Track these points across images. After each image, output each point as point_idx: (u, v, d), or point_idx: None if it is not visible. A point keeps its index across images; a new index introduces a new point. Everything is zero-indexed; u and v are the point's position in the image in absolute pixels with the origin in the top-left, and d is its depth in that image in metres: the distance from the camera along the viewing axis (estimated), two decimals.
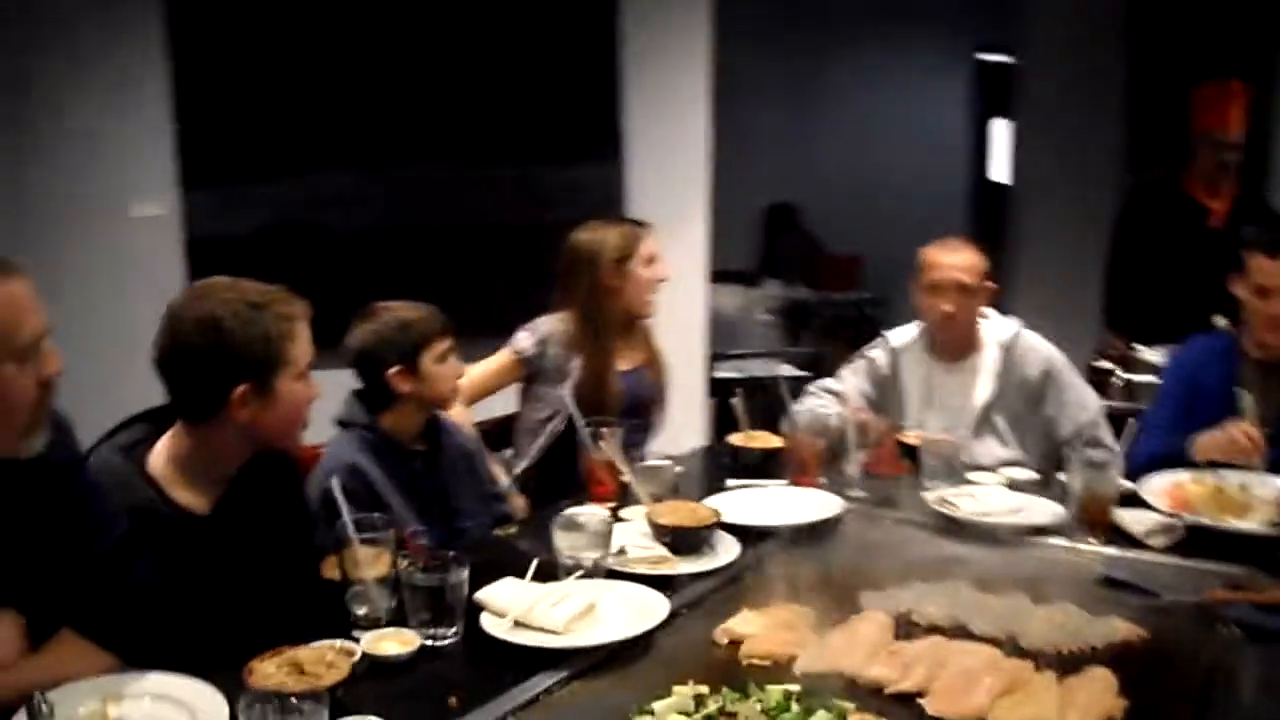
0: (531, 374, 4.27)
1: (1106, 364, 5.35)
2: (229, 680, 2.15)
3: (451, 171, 6.12)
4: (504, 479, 4.01)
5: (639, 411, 4.34)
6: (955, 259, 4.04)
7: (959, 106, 10.64)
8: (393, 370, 3.38)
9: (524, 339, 4.26)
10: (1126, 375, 5.28)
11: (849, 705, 2.13)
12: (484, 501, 3.63)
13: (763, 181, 9.73)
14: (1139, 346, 5.38)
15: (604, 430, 3.52)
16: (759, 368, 6.63)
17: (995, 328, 4.15)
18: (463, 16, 6.05)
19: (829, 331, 4.51)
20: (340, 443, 3.41)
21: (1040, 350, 4.13)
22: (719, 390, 5.93)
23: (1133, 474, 3.50)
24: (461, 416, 4.01)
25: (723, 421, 4.42)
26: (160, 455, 2.71)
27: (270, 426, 2.71)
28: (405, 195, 6.11)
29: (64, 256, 5.83)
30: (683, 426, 4.18)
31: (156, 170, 5.95)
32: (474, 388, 4.21)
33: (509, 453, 4.40)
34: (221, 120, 5.96)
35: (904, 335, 4.26)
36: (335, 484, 2.73)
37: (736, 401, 4.00)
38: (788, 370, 6.38)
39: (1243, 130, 5.68)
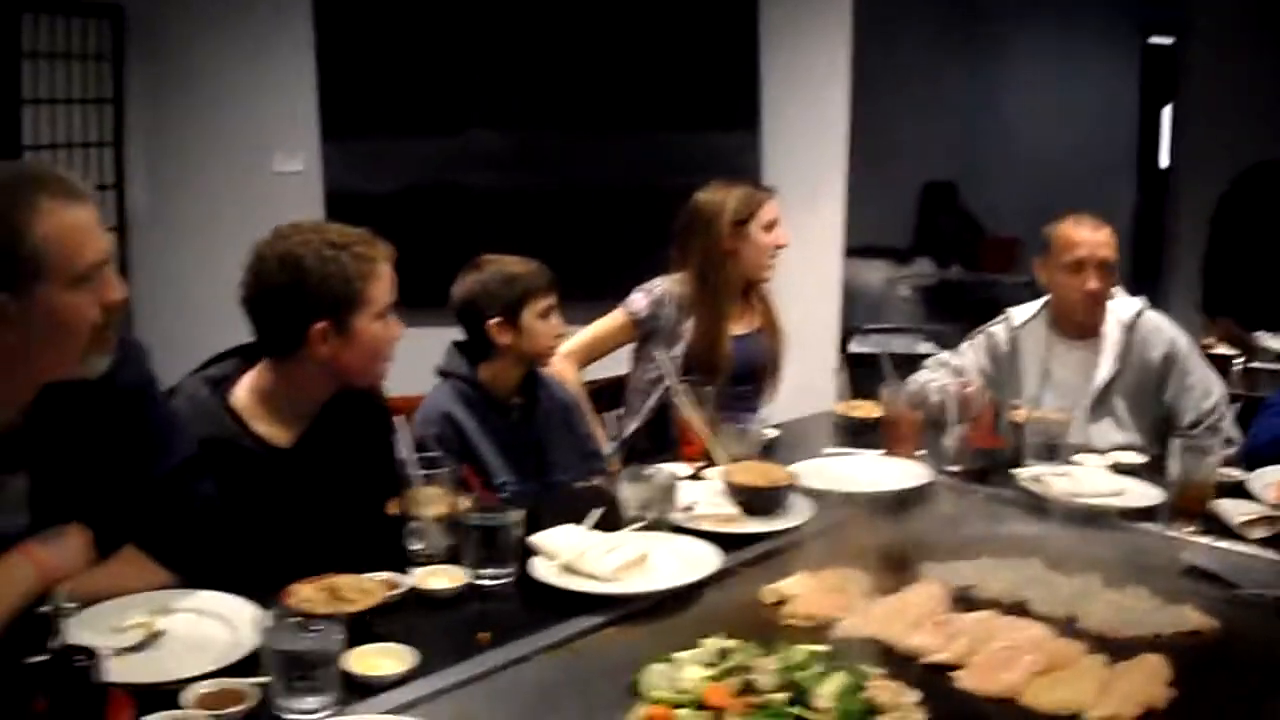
0: (645, 335, 4.25)
1: (1223, 349, 5.20)
2: (274, 601, 2.20)
3: (590, 135, 6.16)
4: (603, 438, 4.03)
5: (751, 376, 4.32)
6: (1098, 235, 3.96)
7: (1126, 89, 10.37)
8: (493, 321, 3.43)
9: (638, 300, 4.25)
10: (1247, 362, 5.15)
11: (875, 671, 2.09)
12: (581, 458, 3.65)
13: (922, 159, 9.59)
14: (1260, 333, 5.24)
15: (687, 389, 3.52)
16: (900, 343, 6.56)
17: (1119, 307, 4.05)
18: None
19: (982, 312, 4.46)
20: (438, 392, 3.47)
21: (1164, 332, 4.03)
22: (858, 363, 5.89)
23: (1253, 456, 3.41)
24: (570, 376, 4.04)
25: (857, 392, 4.37)
26: (244, 389, 2.81)
27: (349, 364, 2.78)
28: (543, 158, 6.16)
29: (208, 209, 6.00)
30: (812, 395, 4.15)
31: (299, 126, 6.09)
32: (588, 348, 4.25)
33: (620, 412, 4.41)
34: (363, 78, 6.09)
35: (1026, 312, 4.18)
36: (403, 423, 2.77)
37: (837, 368, 3.98)
38: (926, 348, 6.29)
39: None
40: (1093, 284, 3.93)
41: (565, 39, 6.07)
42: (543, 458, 3.54)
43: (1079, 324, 4.05)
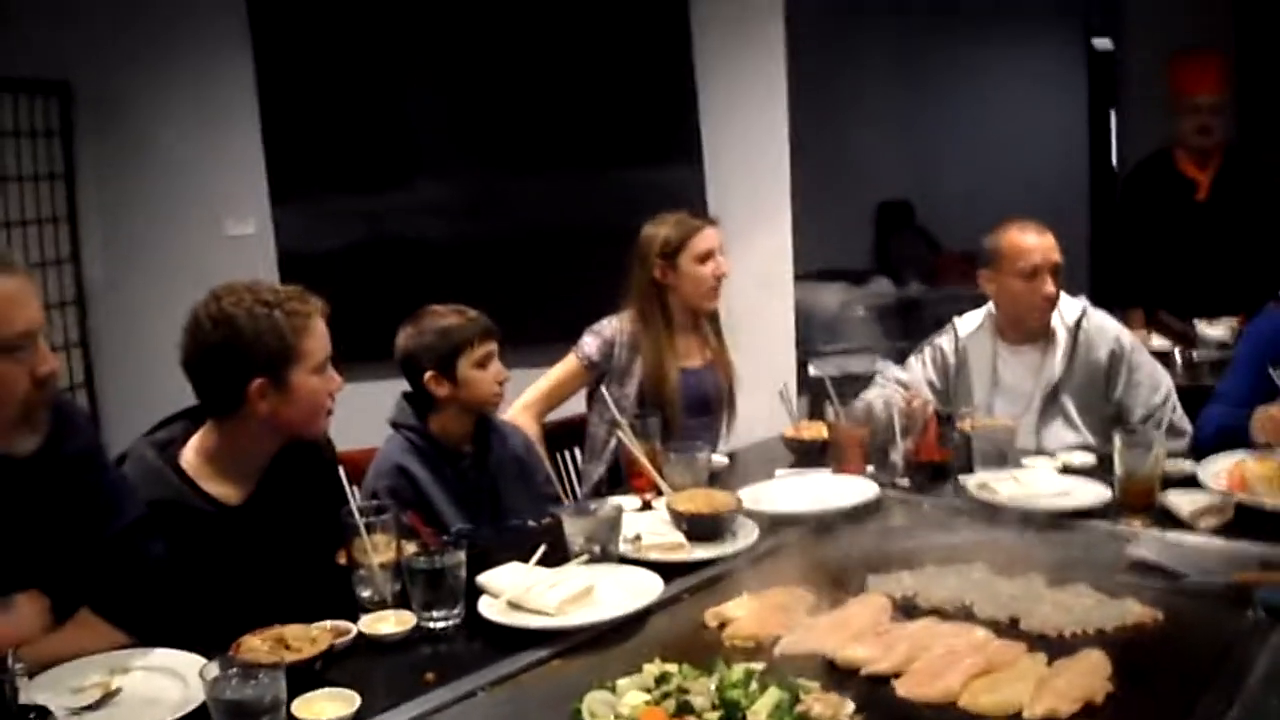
0: (599, 377, 4.27)
1: (1159, 343, 5.26)
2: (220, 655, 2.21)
3: (536, 178, 6.16)
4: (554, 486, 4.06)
5: (705, 409, 4.34)
6: (1046, 240, 4.02)
7: (1075, 96, 10.41)
8: (429, 375, 3.46)
9: (589, 344, 4.27)
10: (1186, 352, 5.21)
11: (812, 684, 2.12)
12: (536, 502, 3.65)
13: (876, 179, 9.61)
14: (1199, 321, 5.31)
15: (629, 422, 3.57)
16: (859, 364, 6.57)
17: (1063, 308, 4.10)
18: (535, 25, 6.11)
19: (935, 330, 4.52)
20: (389, 445, 3.51)
21: (1109, 330, 4.08)
22: (816, 386, 5.91)
23: (1200, 448, 3.45)
24: (531, 429, 4.07)
25: (813, 416, 4.40)
26: (192, 450, 2.86)
27: (290, 418, 2.83)
28: (490, 203, 6.14)
29: (164, 277, 6.01)
30: (770, 422, 4.18)
31: (249, 191, 6.11)
32: (545, 399, 4.27)
33: (581, 457, 4.44)
34: (309, 138, 6.10)
35: (971, 322, 4.24)
36: (342, 474, 2.81)
37: (781, 392, 4.01)
38: (884, 365, 6.32)
39: (1220, 94, 5.74)
40: (1049, 288, 3.98)
41: (505, 85, 6.08)
42: (498, 504, 3.56)
43: (1028, 329, 4.10)
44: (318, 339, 2.83)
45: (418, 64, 6.09)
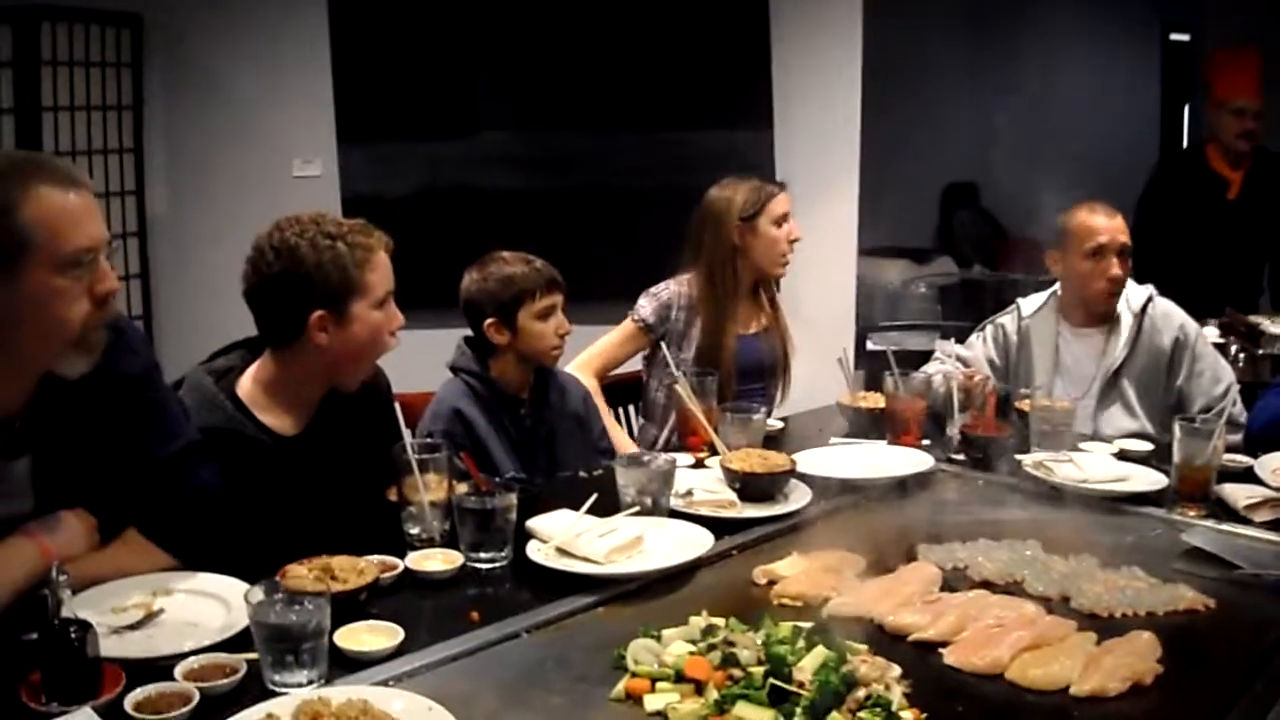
0: (655, 340, 4.22)
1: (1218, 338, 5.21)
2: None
3: (603, 135, 6.18)
4: (624, 440, 4.04)
5: (759, 375, 4.31)
6: (1115, 221, 4.01)
7: (1147, 86, 10.31)
8: (489, 322, 3.44)
9: (644, 307, 4.24)
10: (1254, 350, 5.15)
11: (860, 646, 2.10)
12: (591, 456, 3.64)
13: (943, 159, 9.53)
14: (1261, 319, 5.25)
15: (688, 379, 3.54)
16: (917, 341, 6.54)
17: (1130, 294, 4.07)
18: None
19: (994, 310, 4.49)
20: (447, 388, 3.49)
21: (1174, 318, 4.06)
22: (876, 360, 5.88)
23: (1251, 438, 3.42)
24: (589, 386, 4.04)
25: (874, 387, 4.37)
26: (249, 380, 2.87)
27: (350, 350, 2.82)
28: (557, 158, 6.18)
29: (226, 213, 6.05)
30: (826, 391, 4.15)
31: (316, 131, 6.14)
32: (602, 360, 4.24)
33: (640, 421, 4.42)
34: (378, 83, 6.14)
35: (1035, 302, 4.21)
36: (399, 411, 2.80)
37: (840, 358, 3.99)
38: (945, 344, 6.29)
39: (1260, 97, 5.72)
40: (1115, 269, 3.96)
41: (577, 40, 6.09)
42: (553, 455, 3.55)
43: (1093, 312, 4.08)
44: (380, 273, 2.81)
45: (490, 15, 6.11)
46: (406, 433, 2.72)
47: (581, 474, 3.35)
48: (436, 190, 6.14)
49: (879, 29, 6.23)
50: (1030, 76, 9.71)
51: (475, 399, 3.44)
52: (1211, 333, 5.17)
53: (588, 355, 4.20)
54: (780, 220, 4.20)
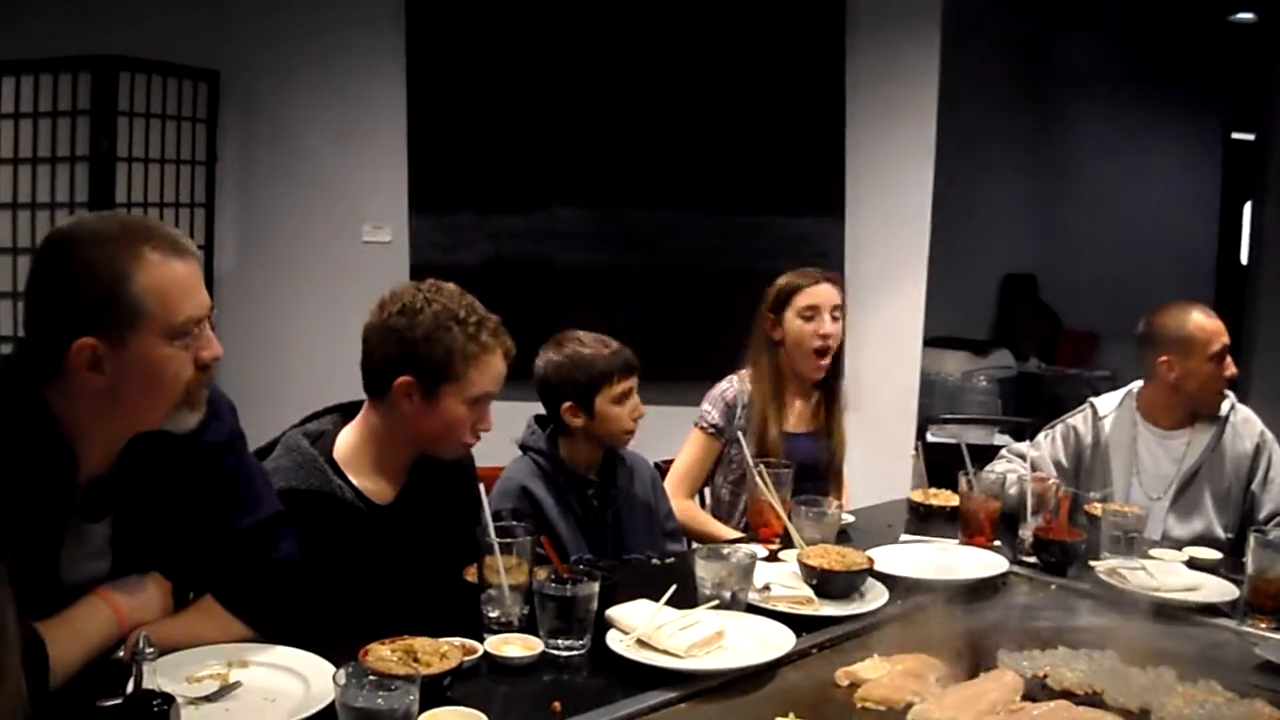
0: (728, 442, 4.16)
1: None
2: (350, 660, 2.18)
3: (674, 215, 6.19)
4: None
5: (812, 475, 4.10)
6: (1221, 322, 4.01)
7: (1208, 185, 10.31)
8: (566, 405, 3.44)
9: (711, 412, 4.17)
10: None
11: None
12: (658, 539, 3.63)
13: (1001, 250, 9.55)
14: None
15: (765, 471, 3.50)
16: (976, 435, 6.51)
17: None
18: (693, 65, 6.15)
19: (1058, 406, 4.44)
20: (516, 466, 3.49)
21: (1254, 423, 4.05)
22: (933, 452, 5.86)
23: None
24: (688, 507, 4.05)
25: (932, 482, 4.32)
26: (344, 441, 2.90)
27: (426, 430, 2.85)
28: (627, 235, 6.20)
29: (294, 273, 6.09)
30: (888, 483, 4.12)
31: (389, 197, 6.19)
32: (691, 479, 4.18)
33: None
34: (452, 152, 6.17)
35: (1111, 402, 4.19)
36: (482, 490, 2.80)
37: (912, 456, 3.96)
38: (1001, 440, 6.26)
39: None
40: (1233, 369, 3.99)
41: (654, 119, 6.12)
42: (620, 536, 3.53)
43: (1181, 416, 4.08)
44: (485, 374, 2.83)
45: (567, 91, 6.15)
46: (488, 514, 2.70)
47: (654, 561, 3.35)
48: (505, 261, 6.17)
49: (941, 119, 6.24)
50: (1091, 171, 9.74)
51: (544, 478, 3.43)
52: None
53: (676, 479, 4.13)
54: (808, 314, 4.08)
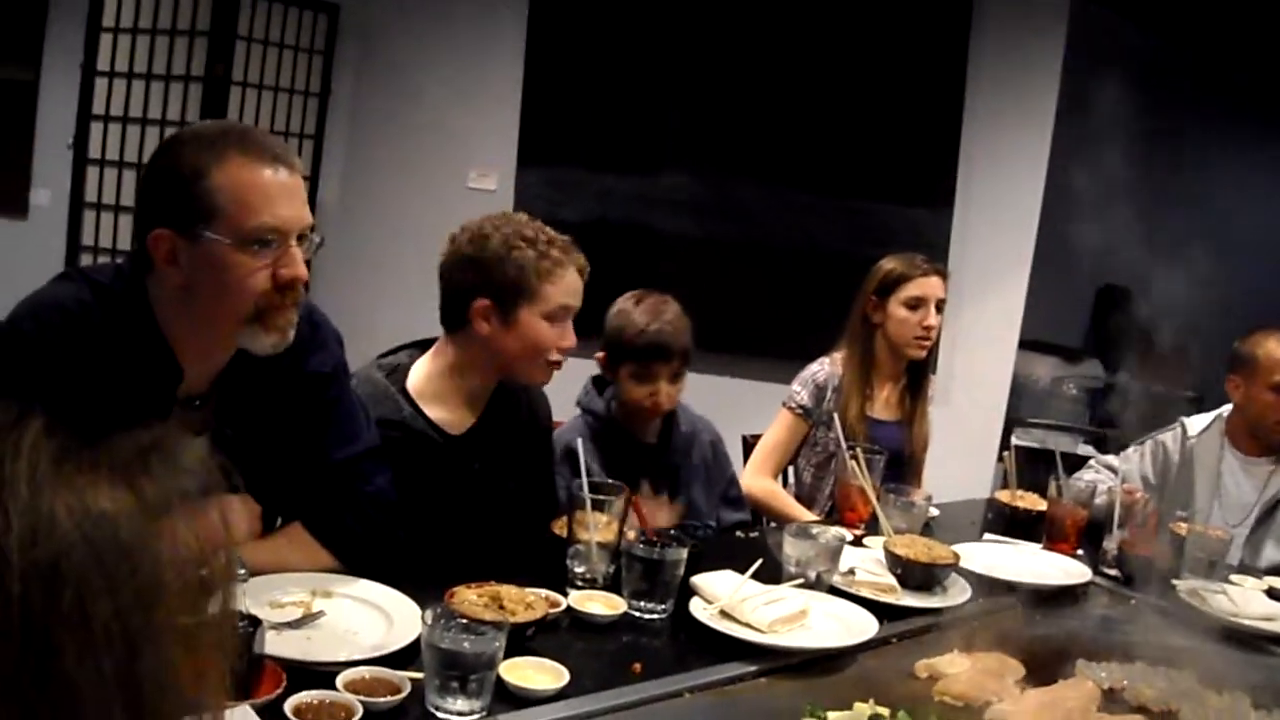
0: (815, 424, 4.13)
1: None
2: (433, 600, 2.19)
3: (783, 193, 6.18)
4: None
5: (894, 463, 4.01)
6: None
7: None
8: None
9: (800, 393, 4.13)
10: None
11: None
12: (721, 503, 3.63)
13: (1102, 260, 9.45)
14: None
15: (860, 455, 3.48)
16: (1062, 441, 6.46)
17: None
18: (817, 46, 6.12)
19: (1144, 421, 4.37)
20: (570, 424, 3.48)
21: None
22: (1019, 455, 5.82)
23: None
24: (769, 488, 4.04)
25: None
26: (418, 373, 2.93)
27: (506, 352, 2.86)
28: (733, 208, 6.19)
29: (397, 211, 6.12)
30: (971, 481, 4.09)
31: (497, 146, 6.20)
32: (775, 459, 4.14)
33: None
34: (566, 107, 6.19)
35: (1201, 423, 4.17)
36: (580, 444, 2.78)
37: (1005, 457, 3.94)
38: (1086, 449, 6.21)
39: None
40: None
41: (772, 94, 6.10)
42: (677, 496, 3.48)
43: (1264, 443, 4.02)
44: (561, 288, 2.83)
45: (688, 58, 6.14)
46: (586, 470, 2.70)
47: (739, 535, 3.37)
48: (609, 223, 6.16)
49: (1057, 126, 6.18)
50: (1203, 190, 9.60)
51: (592, 440, 3.32)
52: None
53: (760, 458, 4.12)
54: (913, 304, 4.05)
